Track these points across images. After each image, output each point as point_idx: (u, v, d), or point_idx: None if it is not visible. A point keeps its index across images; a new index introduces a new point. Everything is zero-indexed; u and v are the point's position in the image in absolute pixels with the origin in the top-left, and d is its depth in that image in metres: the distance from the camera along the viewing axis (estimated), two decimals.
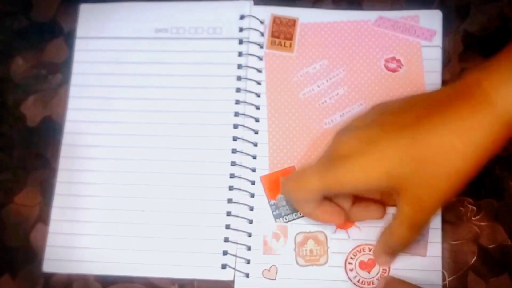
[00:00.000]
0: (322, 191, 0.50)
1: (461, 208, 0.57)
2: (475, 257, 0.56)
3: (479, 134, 0.43)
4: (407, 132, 0.45)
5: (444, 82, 0.59)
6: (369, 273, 0.56)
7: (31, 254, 0.61)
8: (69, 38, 0.66)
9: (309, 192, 0.51)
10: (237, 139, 0.61)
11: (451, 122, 0.44)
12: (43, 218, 0.61)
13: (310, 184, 0.50)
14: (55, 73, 0.65)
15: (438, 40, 0.60)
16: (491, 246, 0.56)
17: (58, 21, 0.67)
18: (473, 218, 0.57)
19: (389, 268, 0.56)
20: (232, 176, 0.60)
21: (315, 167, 0.50)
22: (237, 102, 0.61)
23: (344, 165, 0.47)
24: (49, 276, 0.60)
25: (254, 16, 0.63)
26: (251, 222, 0.59)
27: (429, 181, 0.45)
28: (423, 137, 0.44)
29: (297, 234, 0.58)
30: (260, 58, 0.62)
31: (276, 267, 0.58)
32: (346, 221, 0.55)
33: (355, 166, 0.47)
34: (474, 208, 0.57)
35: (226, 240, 0.59)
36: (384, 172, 0.46)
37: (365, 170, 0.47)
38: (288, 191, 0.55)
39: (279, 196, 0.59)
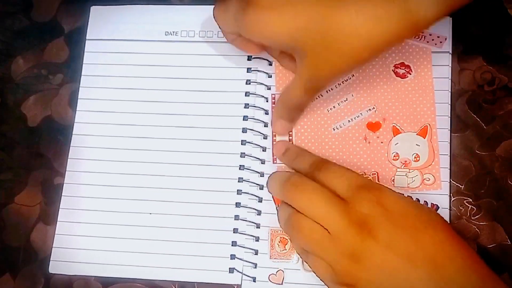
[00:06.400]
0: (236, 28, 0.53)
1: (460, 208, 0.57)
2: None
3: (385, 26, 0.46)
4: (322, 5, 0.47)
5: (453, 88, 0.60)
6: None
7: (31, 254, 0.61)
8: (69, 38, 0.66)
9: (227, 24, 0.55)
10: (246, 143, 0.61)
11: (363, 7, 0.46)
12: (44, 218, 0.62)
13: (228, 18, 0.54)
14: (55, 73, 0.65)
15: (447, 46, 0.60)
16: (491, 246, 0.57)
17: (58, 21, 0.67)
18: (472, 218, 0.57)
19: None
20: (240, 180, 0.60)
21: (236, 3, 0.52)
22: (246, 106, 0.61)
23: (255, 14, 0.50)
24: (50, 276, 0.60)
25: None
26: (258, 226, 0.59)
27: (328, 54, 0.48)
28: (334, 12, 0.46)
29: None
30: (270, 63, 0.62)
31: (283, 272, 0.58)
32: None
33: (265, 20, 0.49)
34: (474, 208, 0.57)
35: (234, 244, 0.59)
36: (288, 33, 0.49)
37: (272, 27, 0.49)
38: (215, 17, 0.56)
39: None
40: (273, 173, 0.58)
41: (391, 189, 0.51)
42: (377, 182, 0.57)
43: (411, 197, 0.56)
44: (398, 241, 0.47)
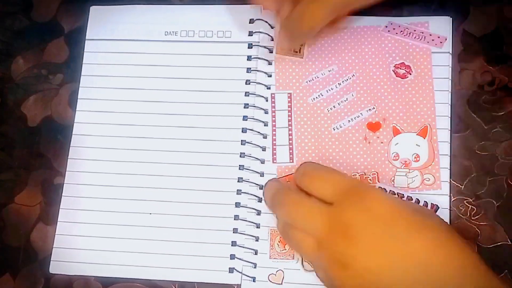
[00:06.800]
0: None
1: (460, 208, 0.57)
2: None
3: None
4: None
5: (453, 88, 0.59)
6: None
7: (31, 254, 0.61)
8: (69, 38, 0.66)
9: None
10: (246, 143, 0.61)
11: None
12: (44, 218, 0.62)
13: None
14: (55, 73, 0.65)
15: (447, 46, 0.60)
16: (491, 246, 0.56)
17: (58, 21, 0.67)
18: (472, 218, 0.57)
19: None
20: (240, 180, 0.60)
21: None
22: (246, 106, 0.61)
23: None
24: (50, 276, 0.60)
25: (264, 20, 0.63)
26: (258, 226, 0.59)
27: None
28: None
29: None
30: (270, 63, 0.62)
31: (283, 272, 0.58)
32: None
33: None
34: (474, 208, 0.57)
35: (234, 244, 0.59)
36: None
37: None
38: None
39: None
40: (266, 183, 0.59)
41: (381, 190, 0.51)
42: (377, 182, 0.57)
43: (411, 197, 0.56)
44: (384, 245, 0.46)
